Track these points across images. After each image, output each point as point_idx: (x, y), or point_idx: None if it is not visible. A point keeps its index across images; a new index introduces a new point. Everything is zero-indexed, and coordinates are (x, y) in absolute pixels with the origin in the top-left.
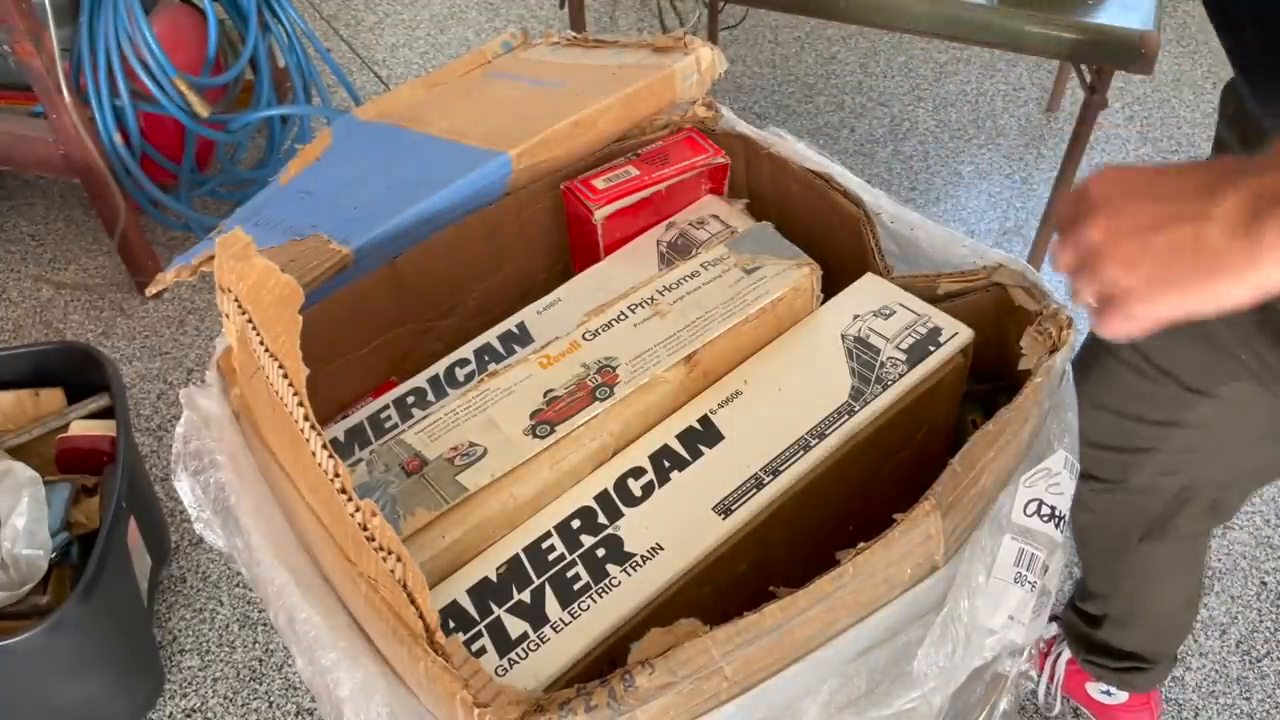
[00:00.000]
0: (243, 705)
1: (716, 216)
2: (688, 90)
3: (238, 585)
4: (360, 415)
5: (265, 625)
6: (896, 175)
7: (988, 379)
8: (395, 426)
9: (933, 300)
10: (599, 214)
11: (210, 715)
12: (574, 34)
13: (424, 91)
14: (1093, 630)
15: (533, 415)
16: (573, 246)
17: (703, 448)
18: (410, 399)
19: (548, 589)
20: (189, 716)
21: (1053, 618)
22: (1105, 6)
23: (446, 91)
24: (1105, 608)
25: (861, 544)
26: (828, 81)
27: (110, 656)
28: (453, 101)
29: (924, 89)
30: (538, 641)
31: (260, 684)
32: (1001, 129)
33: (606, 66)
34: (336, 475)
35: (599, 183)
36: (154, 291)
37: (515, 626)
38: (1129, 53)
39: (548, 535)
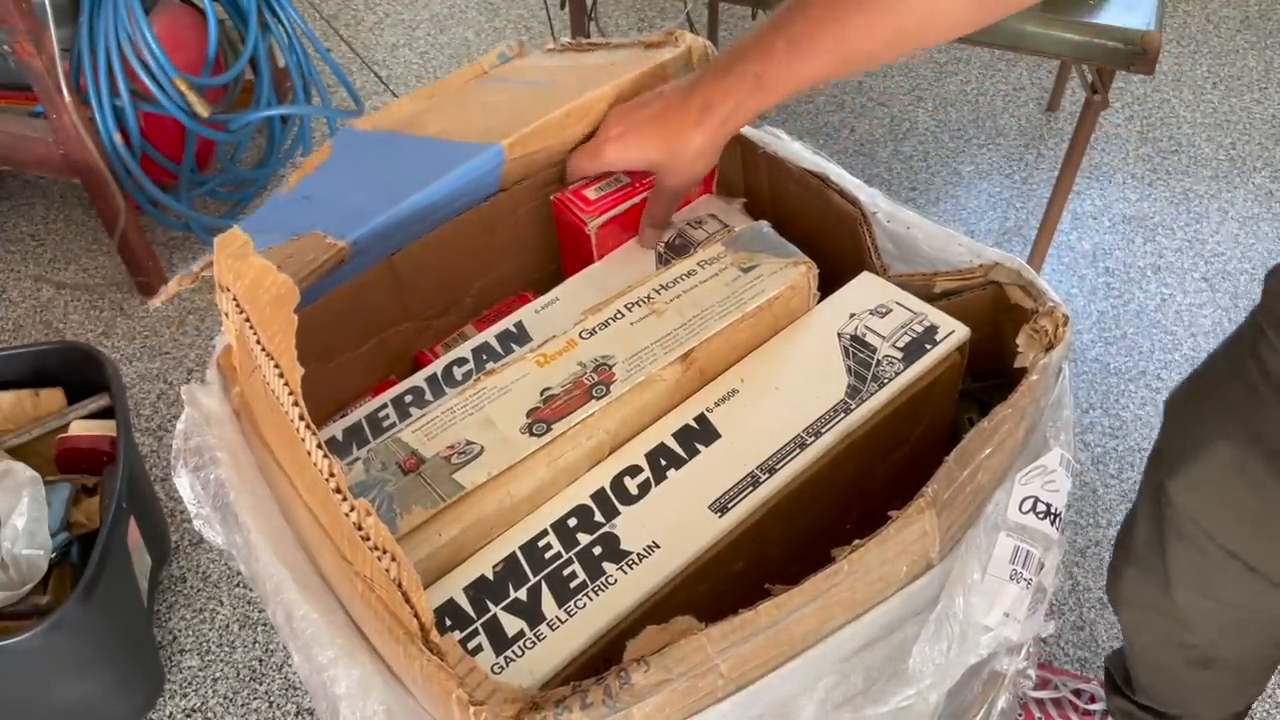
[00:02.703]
0: (243, 705)
1: (714, 216)
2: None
3: (238, 585)
4: (358, 414)
5: (265, 625)
6: (896, 175)
7: (984, 377)
8: (393, 425)
9: (929, 299)
10: (592, 224)
11: (210, 715)
12: (568, 40)
13: (422, 102)
14: None
15: (529, 413)
16: (565, 256)
17: (699, 446)
18: (408, 398)
19: (544, 587)
20: (189, 716)
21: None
22: (1106, 6)
23: (442, 100)
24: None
25: (857, 541)
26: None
27: (110, 656)
28: (448, 108)
29: (924, 89)
30: (534, 639)
31: (260, 684)
32: (1001, 129)
33: (599, 64)
34: (331, 475)
35: (590, 193)
36: (159, 302)
37: (512, 624)
38: (1130, 53)
39: (544, 533)
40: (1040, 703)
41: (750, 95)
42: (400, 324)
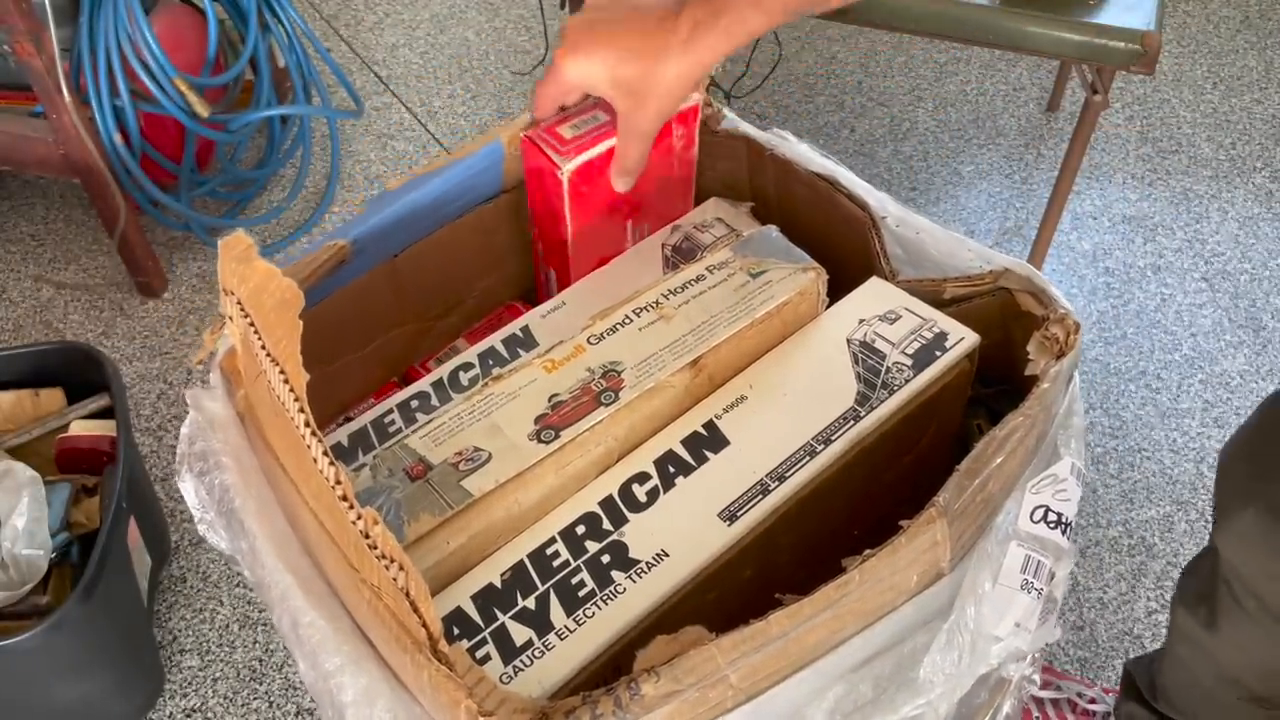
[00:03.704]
0: (243, 705)
1: (721, 220)
2: None
3: (238, 585)
4: (364, 419)
5: (265, 625)
6: (896, 175)
7: (993, 383)
8: (399, 431)
9: (939, 305)
10: (567, 167)
11: (210, 715)
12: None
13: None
14: None
15: (537, 420)
16: (534, 212)
17: (708, 453)
18: (415, 403)
19: (552, 595)
20: (189, 716)
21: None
22: (1106, 6)
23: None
24: None
25: (868, 551)
26: (828, 81)
27: (110, 656)
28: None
29: (924, 89)
30: (543, 649)
31: (260, 684)
32: (1001, 129)
33: None
34: (338, 482)
35: (565, 130)
36: (199, 360)
37: (520, 633)
38: (1130, 53)
39: (552, 541)
40: (1040, 702)
41: (747, 9)
42: (402, 325)
